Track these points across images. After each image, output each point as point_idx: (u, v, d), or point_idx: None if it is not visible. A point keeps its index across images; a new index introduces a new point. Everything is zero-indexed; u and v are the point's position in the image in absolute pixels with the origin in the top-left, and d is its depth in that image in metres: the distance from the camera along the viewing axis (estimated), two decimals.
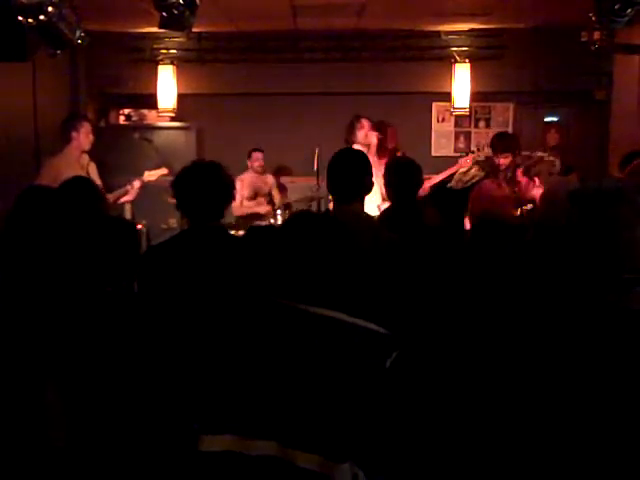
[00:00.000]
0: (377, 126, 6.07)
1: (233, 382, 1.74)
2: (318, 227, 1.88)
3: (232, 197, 3.05)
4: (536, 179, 4.31)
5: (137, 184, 5.64)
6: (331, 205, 6.48)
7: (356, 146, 5.30)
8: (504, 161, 5.47)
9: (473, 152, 6.19)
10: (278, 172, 7.77)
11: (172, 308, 2.66)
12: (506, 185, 3.86)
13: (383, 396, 1.65)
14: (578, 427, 1.97)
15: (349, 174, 3.02)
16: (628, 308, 1.97)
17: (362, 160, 3.10)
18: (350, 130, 5.68)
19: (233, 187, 3.07)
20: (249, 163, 7.14)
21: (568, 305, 2.09)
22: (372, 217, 3.31)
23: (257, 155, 7.15)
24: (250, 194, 7.11)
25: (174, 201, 2.99)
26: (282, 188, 7.69)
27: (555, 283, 2.28)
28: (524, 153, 5.44)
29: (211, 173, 2.99)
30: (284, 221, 1.95)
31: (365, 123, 5.74)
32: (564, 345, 2.04)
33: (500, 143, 5.58)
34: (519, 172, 5.17)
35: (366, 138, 5.67)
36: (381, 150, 6.09)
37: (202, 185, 2.93)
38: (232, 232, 5.68)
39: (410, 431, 1.76)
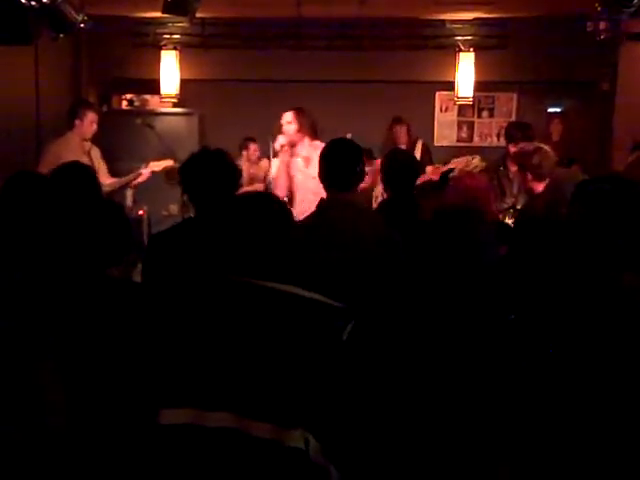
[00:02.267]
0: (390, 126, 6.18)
1: (191, 356, 1.80)
2: (260, 205, 1.96)
3: (239, 185, 3.06)
4: (528, 174, 4.25)
5: (146, 173, 5.63)
6: None
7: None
8: None
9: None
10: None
11: (175, 295, 2.67)
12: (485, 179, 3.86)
13: (339, 366, 1.71)
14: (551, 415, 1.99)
15: (341, 163, 3.04)
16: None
17: (354, 150, 3.11)
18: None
19: (240, 175, 3.09)
20: (244, 153, 7.12)
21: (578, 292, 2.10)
22: (365, 206, 3.32)
23: (254, 146, 7.16)
24: (246, 182, 7.12)
25: (181, 186, 3.00)
26: None
27: (558, 275, 2.29)
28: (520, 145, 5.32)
29: (219, 161, 3.00)
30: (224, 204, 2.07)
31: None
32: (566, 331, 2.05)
33: (518, 132, 5.36)
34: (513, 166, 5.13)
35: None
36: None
37: (210, 172, 2.94)
38: None
39: (367, 399, 1.81)
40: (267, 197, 2.09)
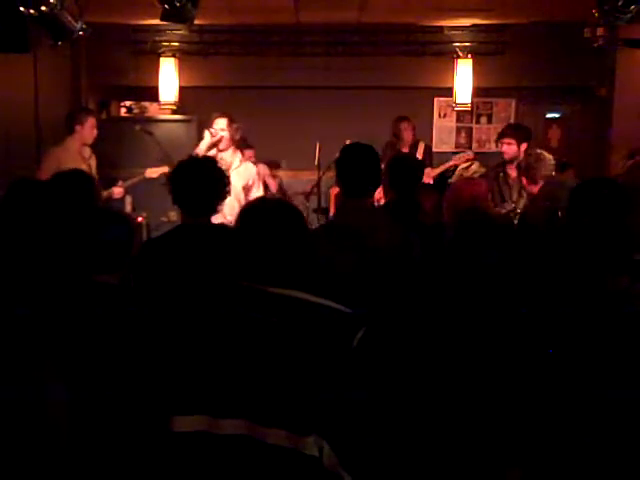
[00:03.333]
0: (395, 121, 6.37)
1: (202, 363, 1.79)
2: (275, 211, 1.95)
3: (227, 193, 3.08)
4: (523, 177, 4.31)
5: (118, 190, 5.67)
6: (331, 200, 6.56)
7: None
8: (507, 148, 5.17)
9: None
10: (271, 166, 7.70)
11: (166, 302, 2.67)
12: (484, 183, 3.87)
13: (350, 373, 1.70)
14: (565, 418, 1.99)
15: (360, 168, 3.03)
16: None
17: (372, 154, 3.11)
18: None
19: (228, 183, 3.10)
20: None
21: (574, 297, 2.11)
22: (382, 211, 3.32)
23: (249, 153, 7.16)
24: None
25: (171, 195, 3.02)
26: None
27: (557, 277, 2.29)
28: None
29: (207, 169, 3.03)
30: (240, 209, 2.06)
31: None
32: (565, 335, 2.05)
33: (508, 130, 5.36)
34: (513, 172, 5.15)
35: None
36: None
37: (198, 180, 2.97)
38: None
39: (379, 406, 1.80)
40: (280, 203, 2.07)
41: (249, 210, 2.00)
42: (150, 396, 2.01)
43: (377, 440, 1.76)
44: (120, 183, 5.73)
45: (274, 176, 7.52)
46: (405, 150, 6.36)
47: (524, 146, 5.16)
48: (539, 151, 4.43)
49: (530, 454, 2.10)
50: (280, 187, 7.36)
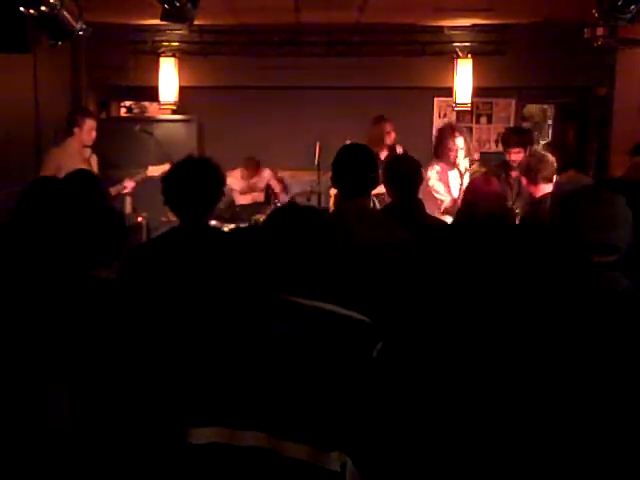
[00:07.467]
0: (378, 121, 6.13)
1: (221, 374, 1.75)
2: (302, 219, 1.88)
3: (221, 195, 2.99)
4: (523, 178, 4.32)
5: (130, 184, 5.64)
6: (331, 201, 6.56)
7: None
8: (516, 157, 5.20)
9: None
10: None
11: (158, 304, 2.66)
12: (497, 181, 3.86)
13: (370, 385, 1.67)
14: (573, 413, 1.99)
15: (356, 169, 3.04)
16: (613, 289, 2.00)
17: (369, 155, 3.12)
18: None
19: (223, 185, 3.01)
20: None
21: (558, 294, 2.12)
22: (379, 212, 3.32)
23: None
24: (243, 189, 7.14)
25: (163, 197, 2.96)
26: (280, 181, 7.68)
27: (543, 273, 2.30)
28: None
29: (201, 171, 2.92)
30: (268, 214, 2.00)
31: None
32: (554, 332, 2.06)
33: (514, 137, 5.35)
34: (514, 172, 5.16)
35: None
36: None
37: (191, 183, 2.87)
38: (231, 225, 5.71)
39: (399, 420, 1.78)
40: (309, 211, 1.99)
41: (277, 216, 1.94)
42: (166, 406, 1.97)
43: (398, 452, 1.74)
44: (127, 180, 5.71)
45: (279, 179, 7.54)
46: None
47: (529, 149, 5.17)
48: (543, 152, 4.44)
49: (542, 449, 2.09)
50: (285, 190, 7.36)
